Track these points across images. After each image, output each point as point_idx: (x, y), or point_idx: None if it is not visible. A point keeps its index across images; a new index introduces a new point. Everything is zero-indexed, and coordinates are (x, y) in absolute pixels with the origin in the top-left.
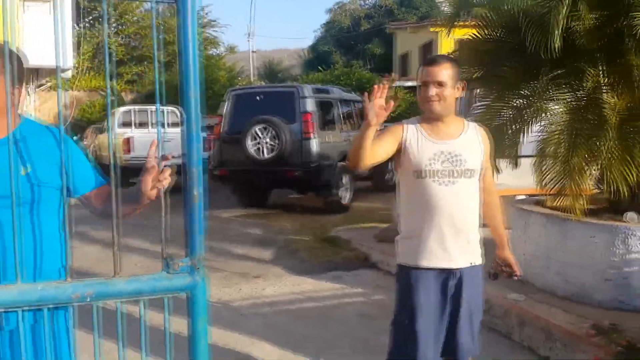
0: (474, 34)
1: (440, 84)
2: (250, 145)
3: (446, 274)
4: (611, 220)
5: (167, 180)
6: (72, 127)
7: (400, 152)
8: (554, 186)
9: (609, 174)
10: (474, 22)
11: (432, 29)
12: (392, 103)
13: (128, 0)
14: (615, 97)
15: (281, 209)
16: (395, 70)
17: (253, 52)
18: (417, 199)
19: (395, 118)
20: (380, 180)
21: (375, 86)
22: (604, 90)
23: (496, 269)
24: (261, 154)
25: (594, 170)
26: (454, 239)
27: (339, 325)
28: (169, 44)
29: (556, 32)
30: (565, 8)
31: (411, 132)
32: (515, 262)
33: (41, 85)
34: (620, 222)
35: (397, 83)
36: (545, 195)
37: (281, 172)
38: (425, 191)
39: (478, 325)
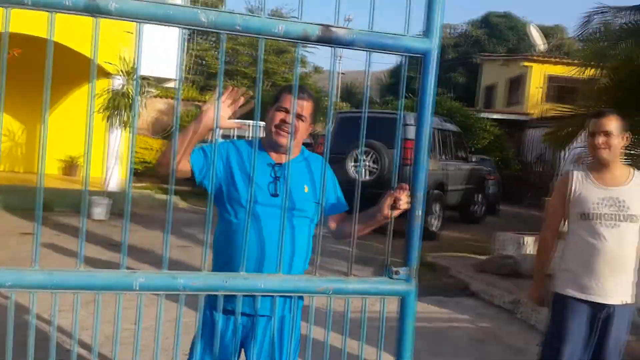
0: (605, 83)
1: (607, 134)
2: (351, 166)
3: (598, 308)
4: None
5: (404, 203)
6: (169, 135)
7: (569, 198)
8: None
9: None
10: (568, 61)
11: (525, 64)
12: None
13: (382, 52)
14: None
15: (372, 230)
16: (479, 101)
17: (342, 73)
18: (582, 238)
19: (481, 150)
20: (467, 211)
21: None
22: None
23: None
24: (362, 176)
25: None
26: (611, 277)
27: (451, 345)
28: (256, 61)
29: None
30: None
31: (579, 179)
32: None
33: (149, 92)
34: None
35: (483, 114)
36: None
37: (379, 195)
38: (590, 232)
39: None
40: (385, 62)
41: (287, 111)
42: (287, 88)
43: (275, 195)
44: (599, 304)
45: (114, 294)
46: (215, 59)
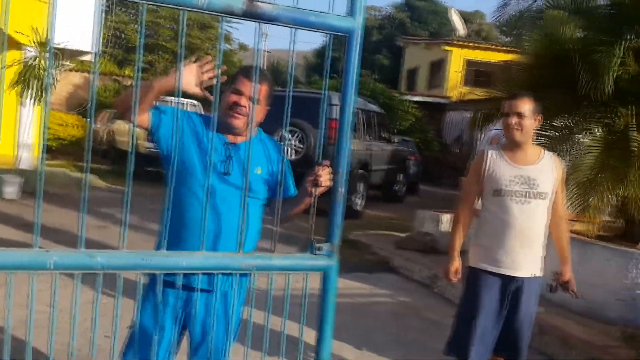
0: (520, 66)
1: (520, 115)
2: None
3: (509, 280)
4: (626, 247)
5: (325, 179)
6: (85, 110)
7: (483, 176)
8: (578, 210)
9: (633, 203)
10: (486, 45)
11: (446, 48)
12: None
13: (306, 29)
14: None
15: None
16: (402, 82)
17: (268, 52)
18: (494, 213)
19: (403, 131)
20: (390, 191)
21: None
22: (632, 129)
23: (556, 282)
24: (287, 155)
25: (613, 200)
26: (521, 251)
27: (372, 320)
28: (178, 36)
29: (608, 77)
30: (617, 57)
31: (493, 157)
32: (573, 280)
33: (64, 65)
34: (635, 249)
35: (406, 97)
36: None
37: (304, 174)
38: (502, 208)
39: (530, 330)
40: (311, 42)
41: (240, 93)
42: (243, 70)
43: (226, 173)
44: (509, 276)
45: (26, 275)
46: (135, 32)
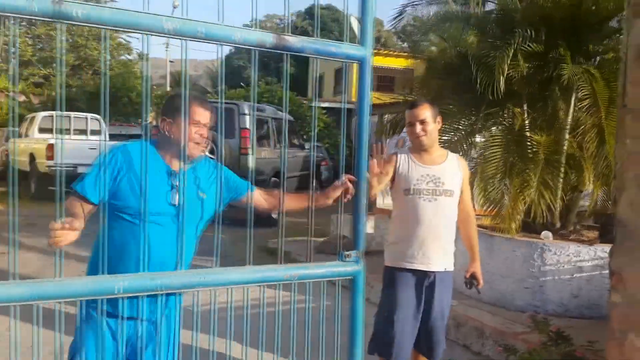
0: (421, 72)
1: (423, 122)
2: None
3: (422, 275)
4: (530, 238)
5: (352, 191)
6: None
7: (394, 175)
8: (492, 208)
9: (537, 199)
10: (385, 52)
11: None
12: (389, 170)
13: (325, 58)
14: (541, 135)
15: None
16: (309, 90)
17: (171, 62)
18: (405, 212)
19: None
20: None
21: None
22: (528, 129)
23: (468, 279)
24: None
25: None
26: (432, 246)
27: (298, 328)
28: (79, 47)
29: (502, 77)
30: (508, 58)
31: (403, 159)
32: (480, 276)
33: None
34: (538, 239)
35: (314, 103)
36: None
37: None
38: (412, 206)
39: (446, 322)
40: (211, 51)
41: (201, 124)
42: (195, 100)
43: (173, 204)
44: (423, 271)
45: None
46: (27, 45)
